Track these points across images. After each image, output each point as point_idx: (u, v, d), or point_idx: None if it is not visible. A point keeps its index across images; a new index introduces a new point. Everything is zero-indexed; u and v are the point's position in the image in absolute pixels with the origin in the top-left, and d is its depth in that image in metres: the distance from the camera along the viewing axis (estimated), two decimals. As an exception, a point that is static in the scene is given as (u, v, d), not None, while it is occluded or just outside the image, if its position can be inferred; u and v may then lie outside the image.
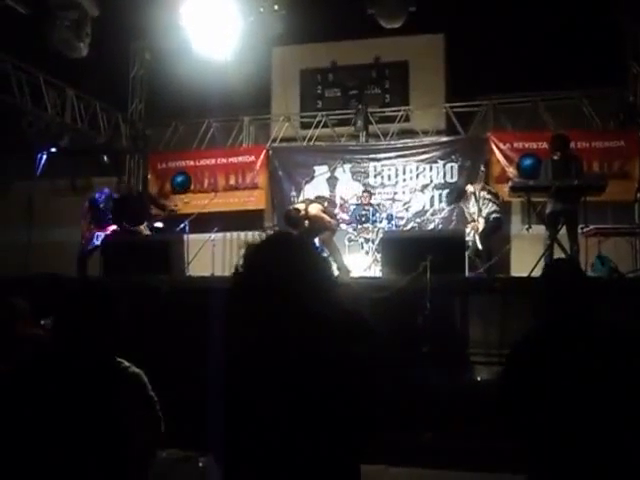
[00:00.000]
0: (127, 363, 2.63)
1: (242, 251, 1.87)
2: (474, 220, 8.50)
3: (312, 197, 9.89)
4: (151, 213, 9.43)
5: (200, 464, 4.15)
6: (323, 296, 1.82)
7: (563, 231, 7.57)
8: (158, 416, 2.85)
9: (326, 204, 9.20)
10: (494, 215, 8.44)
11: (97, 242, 8.78)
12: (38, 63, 10.04)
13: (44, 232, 10.97)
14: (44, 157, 9.01)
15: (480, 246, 8.23)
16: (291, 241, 1.97)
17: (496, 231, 8.61)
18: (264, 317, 1.77)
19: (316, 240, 8.18)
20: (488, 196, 8.53)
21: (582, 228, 7.81)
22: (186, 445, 4.29)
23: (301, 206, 8.63)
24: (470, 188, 8.76)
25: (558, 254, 7.43)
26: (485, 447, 5.35)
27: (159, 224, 9.47)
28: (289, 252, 1.85)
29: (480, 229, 8.36)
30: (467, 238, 8.08)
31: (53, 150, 9.22)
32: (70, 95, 10.87)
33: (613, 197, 8.97)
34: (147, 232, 9.14)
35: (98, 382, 2.48)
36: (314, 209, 8.57)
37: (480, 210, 8.44)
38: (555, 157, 7.75)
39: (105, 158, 10.62)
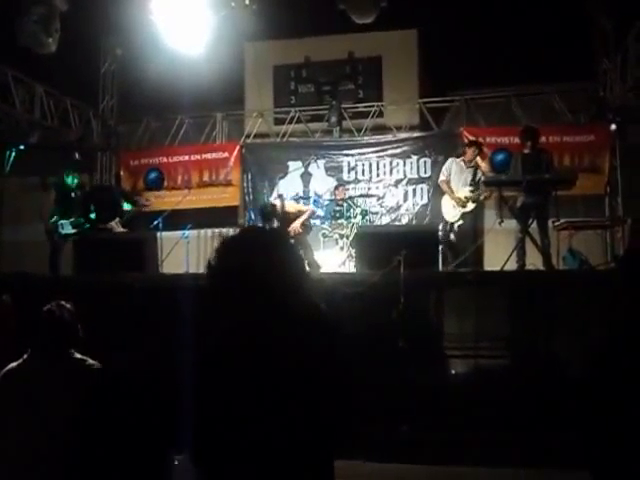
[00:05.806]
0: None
1: (216, 243, 1.87)
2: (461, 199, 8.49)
3: (284, 194, 9.89)
4: (122, 209, 9.23)
5: (175, 463, 4.12)
6: (298, 289, 1.82)
7: (535, 225, 7.65)
8: None
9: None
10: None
11: (63, 231, 8.59)
12: (5, 59, 9.84)
13: (14, 230, 10.77)
14: (13, 154, 8.82)
15: (453, 238, 8.29)
16: (268, 233, 2.02)
17: None
18: (240, 308, 1.77)
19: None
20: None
21: (553, 222, 7.89)
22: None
23: (277, 202, 8.65)
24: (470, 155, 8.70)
25: (530, 247, 7.52)
26: (462, 440, 5.40)
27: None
28: (266, 244, 1.86)
29: (468, 209, 8.40)
30: (439, 233, 8.13)
31: (22, 147, 9.03)
32: (39, 91, 10.67)
33: (584, 191, 9.11)
34: (119, 229, 8.94)
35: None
36: (291, 207, 8.60)
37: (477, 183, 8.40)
38: (526, 150, 7.82)
39: (76, 155, 10.45)
